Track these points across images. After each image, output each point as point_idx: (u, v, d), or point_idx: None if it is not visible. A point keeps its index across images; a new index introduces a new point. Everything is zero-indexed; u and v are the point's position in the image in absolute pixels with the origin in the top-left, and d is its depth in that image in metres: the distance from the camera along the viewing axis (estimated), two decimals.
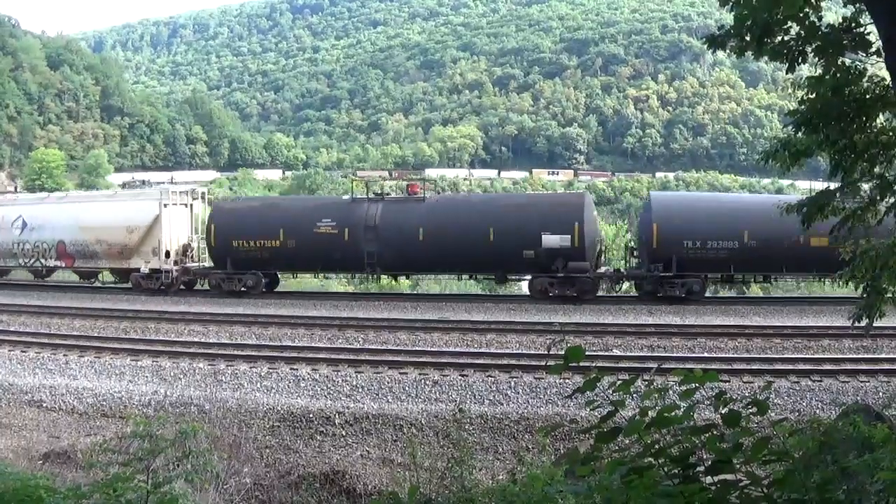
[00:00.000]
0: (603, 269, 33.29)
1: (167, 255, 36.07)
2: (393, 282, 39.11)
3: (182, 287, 36.64)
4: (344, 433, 16.42)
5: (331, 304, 31.67)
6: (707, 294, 32.51)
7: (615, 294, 33.66)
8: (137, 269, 36.50)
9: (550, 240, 30.84)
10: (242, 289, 34.53)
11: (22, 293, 36.65)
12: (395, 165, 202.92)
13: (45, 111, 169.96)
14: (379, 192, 36.56)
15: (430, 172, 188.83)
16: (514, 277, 33.84)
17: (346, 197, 37.90)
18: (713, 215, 31.49)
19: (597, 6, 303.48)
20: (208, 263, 36.55)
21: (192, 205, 38.01)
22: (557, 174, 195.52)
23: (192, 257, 37.18)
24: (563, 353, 3.54)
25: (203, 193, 40.08)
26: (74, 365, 21.69)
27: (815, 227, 29.65)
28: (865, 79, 11.03)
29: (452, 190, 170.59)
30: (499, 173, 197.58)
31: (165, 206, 36.44)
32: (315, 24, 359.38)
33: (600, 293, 32.85)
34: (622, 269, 34.01)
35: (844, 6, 10.96)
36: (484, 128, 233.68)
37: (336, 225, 33.14)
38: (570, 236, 30.77)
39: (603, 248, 34.39)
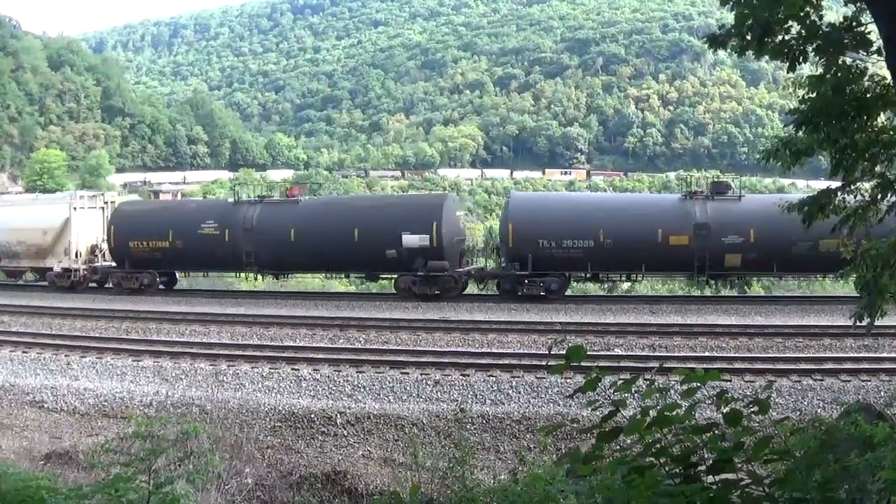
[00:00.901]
0: (466, 268, 34.00)
1: (77, 255, 38.41)
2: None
3: (93, 285, 38.88)
4: (346, 433, 16.43)
5: (332, 304, 31.68)
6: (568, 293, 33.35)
7: (479, 293, 34.27)
8: (52, 268, 38.71)
9: (410, 239, 31.95)
10: (140, 286, 36.09)
11: (24, 294, 36.70)
12: (397, 165, 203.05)
13: (46, 112, 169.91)
14: (260, 194, 38.41)
15: (444, 172, 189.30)
16: (386, 277, 34.59)
17: (230, 200, 39.36)
18: (569, 215, 32.35)
19: (598, 6, 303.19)
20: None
21: (104, 208, 40.07)
22: (570, 173, 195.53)
23: (100, 257, 39.30)
24: (564, 352, 3.54)
25: (114, 199, 42.27)
26: (76, 365, 21.71)
27: (675, 226, 30.22)
28: (866, 78, 11.04)
29: (454, 190, 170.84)
30: (511, 174, 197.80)
31: (75, 209, 38.67)
32: (316, 25, 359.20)
33: (472, 291, 34.07)
34: (486, 268, 34.65)
35: (845, 5, 10.96)
36: (485, 128, 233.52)
37: (218, 226, 34.91)
38: (428, 236, 31.86)
39: (465, 247, 35.12)
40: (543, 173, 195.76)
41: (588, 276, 32.87)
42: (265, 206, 35.49)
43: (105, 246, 38.40)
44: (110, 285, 38.16)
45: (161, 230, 35.75)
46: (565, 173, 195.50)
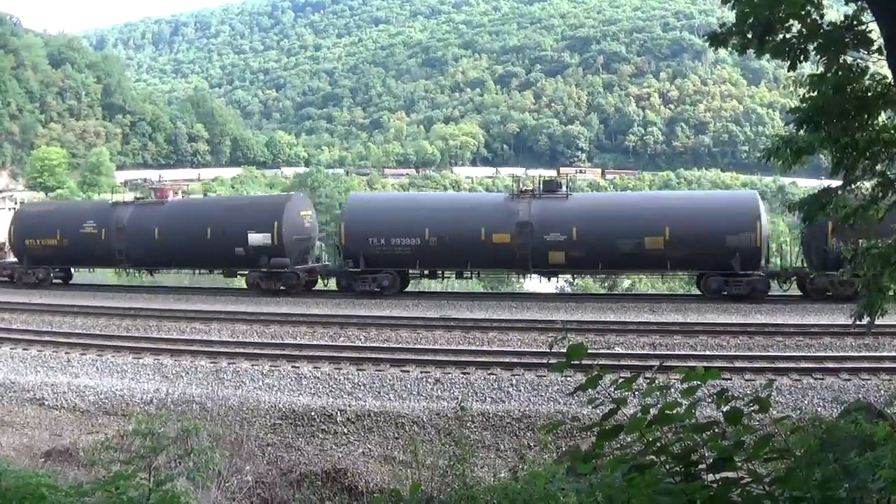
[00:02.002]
0: (308, 265, 35.57)
1: None
2: None
3: (5, 279, 40.38)
4: (346, 431, 16.43)
5: (333, 301, 31.69)
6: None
7: (325, 288, 35.81)
8: None
9: (255, 238, 34.16)
10: (37, 281, 38.62)
11: (24, 292, 36.71)
12: (397, 163, 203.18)
13: (47, 109, 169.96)
14: (138, 196, 41.20)
15: (459, 170, 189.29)
16: (243, 273, 36.18)
17: (110, 201, 41.87)
18: (397, 215, 34.08)
19: (599, 4, 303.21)
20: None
21: (13, 208, 42.96)
22: (584, 172, 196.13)
23: (8, 254, 41.89)
24: (565, 350, 3.54)
25: (23, 199, 44.84)
26: (76, 363, 21.72)
27: (498, 225, 31.12)
28: (867, 77, 11.02)
29: (455, 189, 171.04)
30: (525, 172, 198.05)
31: None
32: (317, 22, 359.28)
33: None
34: (329, 265, 36.34)
35: (846, 4, 10.94)
36: (486, 126, 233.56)
37: (97, 226, 37.59)
38: (270, 234, 34.00)
39: (309, 245, 36.61)
40: (558, 172, 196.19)
41: (423, 273, 34.82)
42: (136, 208, 38.45)
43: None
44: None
45: (51, 229, 38.61)
46: (580, 172, 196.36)
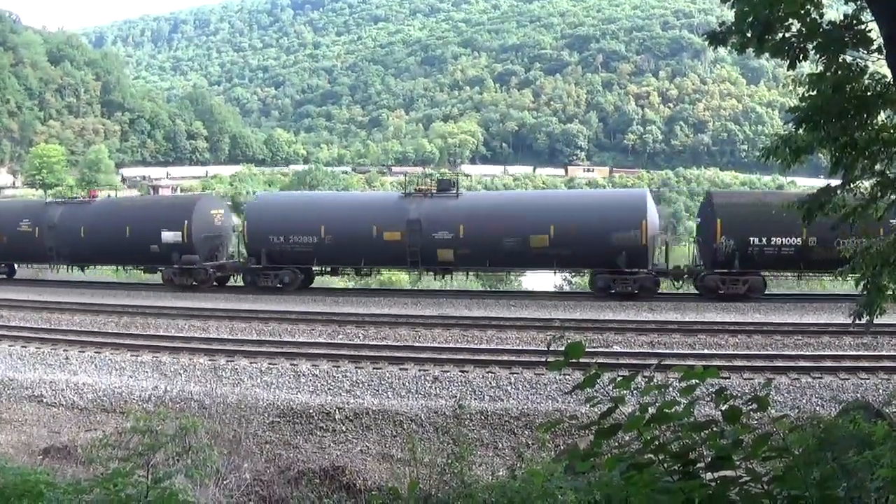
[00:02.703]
0: (218, 262, 36.97)
1: None
2: (391, 277, 42.55)
3: None
4: (344, 429, 16.42)
5: (331, 299, 31.68)
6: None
7: (233, 284, 37.62)
8: None
9: (167, 236, 35.79)
10: None
11: (23, 288, 36.71)
12: (396, 161, 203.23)
13: (46, 106, 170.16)
14: (72, 196, 42.94)
15: (466, 168, 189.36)
16: (162, 268, 37.14)
17: (45, 201, 44.04)
18: (295, 213, 35.20)
19: (598, 2, 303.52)
20: None
21: None
22: (593, 171, 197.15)
23: None
24: (563, 349, 3.54)
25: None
26: (75, 360, 21.70)
27: (390, 223, 31.78)
28: (866, 76, 11.02)
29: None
30: (534, 170, 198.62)
31: None
32: (316, 20, 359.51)
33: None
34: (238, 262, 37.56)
35: (846, 3, 10.95)
36: (484, 124, 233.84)
37: (31, 224, 39.27)
38: (181, 233, 35.59)
39: (219, 242, 37.87)
40: (566, 171, 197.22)
41: (323, 270, 36.17)
42: (66, 207, 39.98)
43: None
44: None
45: None
46: (588, 170, 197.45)
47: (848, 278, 13.65)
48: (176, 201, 44.75)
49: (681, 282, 32.12)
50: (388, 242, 32.29)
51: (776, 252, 29.57)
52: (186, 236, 35.42)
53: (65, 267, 39.95)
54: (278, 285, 33.94)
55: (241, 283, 36.21)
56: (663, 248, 34.01)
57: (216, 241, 37.14)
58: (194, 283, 35.53)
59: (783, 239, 29.29)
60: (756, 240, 29.48)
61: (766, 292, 30.84)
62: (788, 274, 31.48)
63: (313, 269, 35.46)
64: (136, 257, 37.63)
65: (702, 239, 31.52)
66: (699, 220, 33.23)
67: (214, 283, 36.33)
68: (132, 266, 39.99)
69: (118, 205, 44.81)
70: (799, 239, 29.05)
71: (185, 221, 35.60)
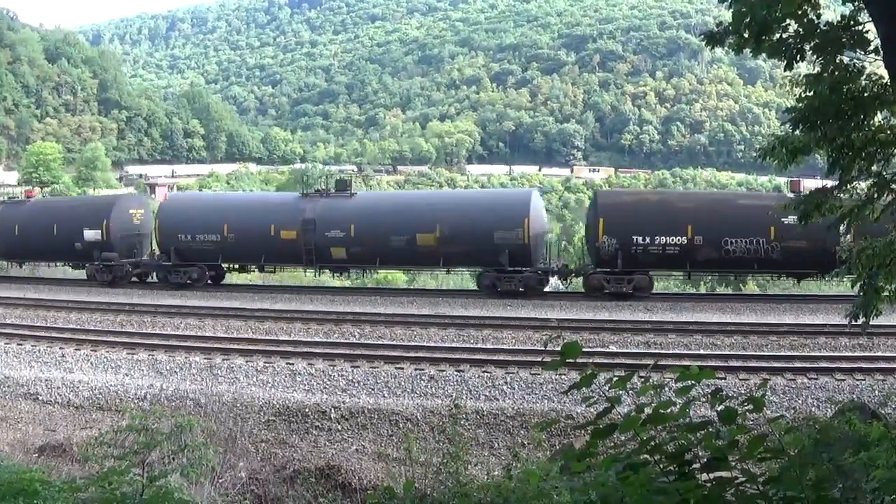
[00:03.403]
0: (135, 259, 38.33)
1: None
2: (387, 277, 42.87)
3: None
4: (339, 428, 16.43)
5: (327, 298, 31.69)
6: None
7: (146, 280, 38.80)
8: None
9: (89, 234, 37.58)
10: None
11: (18, 286, 36.68)
12: (393, 160, 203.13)
13: (43, 104, 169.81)
14: (11, 196, 44.62)
15: (472, 168, 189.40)
16: (86, 265, 38.65)
17: None
18: (201, 213, 36.82)
19: (595, 2, 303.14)
20: None
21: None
22: (598, 171, 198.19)
23: None
24: (559, 349, 3.53)
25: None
26: (70, 358, 21.69)
27: (286, 222, 32.68)
28: (863, 77, 11.04)
29: (451, 187, 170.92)
30: (539, 169, 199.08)
31: None
32: (313, 19, 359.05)
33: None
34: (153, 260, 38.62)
35: (843, 4, 10.96)
36: (481, 123, 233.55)
37: None
38: (101, 231, 37.42)
39: (138, 240, 39.24)
40: (572, 171, 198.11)
41: (231, 267, 37.70)
42: (4, 206, 42.06)
43: None
44: None
45: None
46: (593, 171, 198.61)
47: (844, 279, 13.64)
48: (97, 201, 47.29)
49: (568, 281, 33.13)
50: (284, 241, 33.74)
51: (661, 251, 30.22)
52: (106, 234, 37.36)
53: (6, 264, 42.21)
54: (188, 281, 35.51)
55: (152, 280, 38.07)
56: (562, 245, 34.69)
57: (135, 240, 38.77)
58: (111, 279, 37.15)
59: (668, 238, 29.97)
60: (639, 239, 30.19)
61: (767, 293, 30.99)
62: (675, 273, 32.01)
63: (223, 266, 36.95)
64: (63, 254, 39.73)
65: (588, 238, 32.20)
66: (587, 219, 33.92)
67: (134, 280, 38.00)
68: (60, 262, 41.84)
69: (48, 204, 48.46)
70: (684, 238, 29.77)
71: (105, 220, 37.60)
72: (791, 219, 28.69)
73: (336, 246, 33.26)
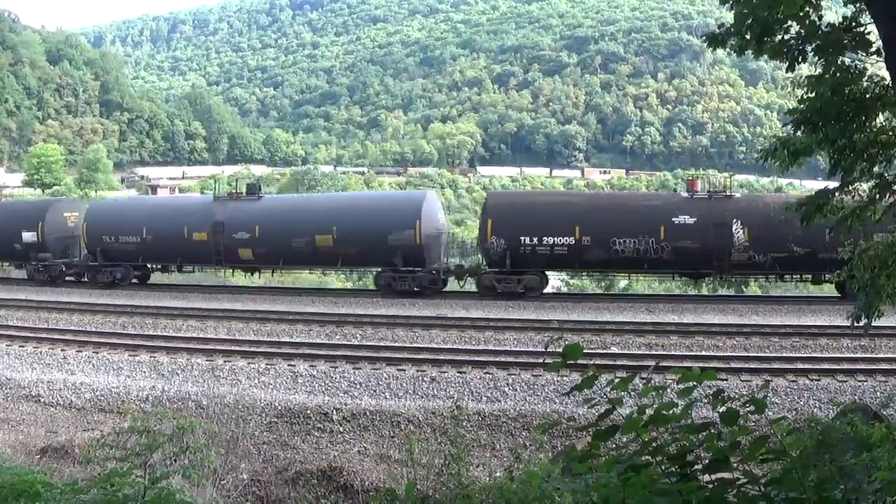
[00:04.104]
0: (68, 259, 39.71)
1: None
2: None
3: None
4: (341, 429, 16.41)
5: (329, 300, 31.70)
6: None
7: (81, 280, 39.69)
8: None
9: (26, 236, 39.32)
10: None
11: (20, 288, 36.71)
12: (395, 162, 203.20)
13: (45, 106, 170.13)
14: None
15: (483, 170, 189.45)
16: (30, 265, 39.74)
17: None
18: (123, 216, 38.71)
19: (597, 4, 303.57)
20: None
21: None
22: (608, 173, 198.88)
23: None
24: (561, 350, 3.53)
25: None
26: (72, 360, 21.69)
27: (199, 225, 34.17)
28: (865, 78, 11.04)
29: (452, 188, 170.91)
30: (550, 172, 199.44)
31: None
32: (315, 21, 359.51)
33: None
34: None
35: (845, 6, 10.97)
36: (483, 125, 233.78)
37: None
38: (36, 233, 39.19)
39: (72, 241, 40.14)
40: (582, 173, 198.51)
41: (154, 267, 39.05)
42: None
43: None
44: None
45: None
46: (604, 172, 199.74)
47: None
48: (34, 205, 49.01)
49: (464, 280, 33.74)
50: (197, 242, 35.32)
51: (549, 252, 30.86)
52: (41, 236, 39.06)
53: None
54: (114, 280, 37.12)
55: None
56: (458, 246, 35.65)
57: (68, 241, 39.90)
58: (48, 277, 38.66)
59: (556, 239, 30.64)
60: (527, 240, 30.88)
61: (769, 294, 31.10)
62: (566, 273, 32.40)
63: (146, 266, 38.58)
64: (4, 254, 41.42)
65: (479, 239, 32.89)
66: (480, 220, 34.50)
67: (69, 279, 39.15)
68: (2, 262, 43.61)
69: None
70: (572, 239, 30.44)
71: (40, 223, 39.32)
72: (682, 219, 29.55)
73: (243, 247, 34.80)
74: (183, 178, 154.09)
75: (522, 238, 30.96)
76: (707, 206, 30.71)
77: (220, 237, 34.80)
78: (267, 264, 36.29)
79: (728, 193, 31.57)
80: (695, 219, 30.21)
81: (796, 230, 26.05)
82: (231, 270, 38.63)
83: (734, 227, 29.92)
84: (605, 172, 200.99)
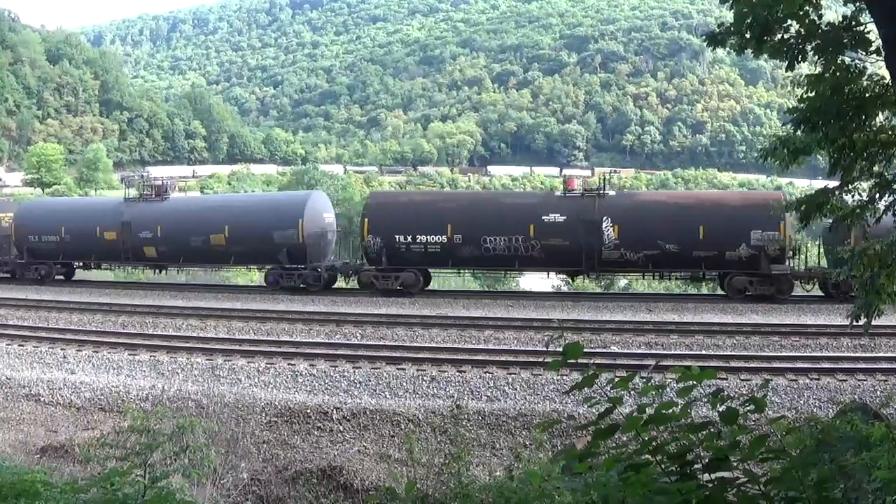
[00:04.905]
0: (5, 257, 41.32)
1: None
2: None
3: None
4: (341, 429, 16.42)
5: (329, 299, 31.72)
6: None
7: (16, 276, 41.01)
8: None
9: None
10: None
11: (20, 287, 36.73)
12: (395, 161, 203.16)
13: (44, 105, 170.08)
14: None
15: (493, 169, 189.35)
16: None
17: None
18: (45, 216, 40.67)
19: (597, 3, 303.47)
20: None
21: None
22: (618, 172, 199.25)
23: None
24: (561, 349, 3.53)
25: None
26: (72, 359, 21.68)
27: (109, 224, 36.75)
28: (865, 77, 11.03)
29: (453, 187, 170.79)
30: (560, 171, 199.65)
31: None
32: (314, 20, 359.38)
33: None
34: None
35: (844, 5, 10.96)
36: (483, 124, 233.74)
37: None
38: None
39: (7, 241, 41.50)
40: (592, 172, 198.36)
41: (78, 265, 40.85)
42: None
43: None
44: None
45: None
46: (614, 172, 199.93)
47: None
48: None
49: (349, 277, 34.93)
50: (107, 241, 37.53)
51: (423, 249, 31.88)
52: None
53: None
54: (39, 276, 39.04)
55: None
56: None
57: (3, 241, 41.35)
58: (7, 275, 40.37)
59: (429, 237, 31.70)
60: (402, 238, 32.01)
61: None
62: (439, 270, 34.54)
63: (70, 263, 40.41)
64: None
65: (360, 237, 33.99)
66: (360, 219, 35.81)
67: (3, 276, 40.63)
68: None
69: None
70: (444, 237, 31.56)
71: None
72: (552, 217, 30.09)
73: (147, 245, 37.08)
74: (193, 176, 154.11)
75: (397, 236, 32.25)
76: (578, 205, 31.40)
77: (128, 236, 37.16)
78: (169, 262, 38.18)
79: (602, 192, 32.11)
80: (565, 217, 30.98)
81: (668, 228, 27.19)
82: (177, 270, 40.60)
83: (604, 225, 30.60)
84: (615, 171, 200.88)
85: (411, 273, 32.29)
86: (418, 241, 32.00)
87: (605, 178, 33.43)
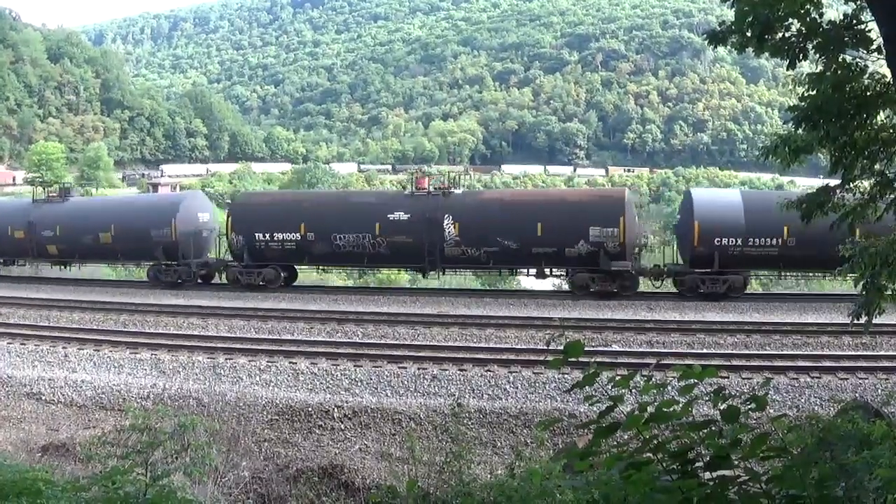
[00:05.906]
0: None
1: None
2: (390, 276, 45.11)
3: None
4: (342, 427, 16.43)
5: (330, 298, 31.69)
6: None
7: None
8: None
9: None
10: None
11: (21, 286, 36.74)
12: (396, 160, 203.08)
13: (46, 104, 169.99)
14: None
15: (506, 168, 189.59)
16: None
17: None
18: (8, 216, 41.22)
19: (598, 1, 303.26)
20: None
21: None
22: (633, 171, 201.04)
23: None
24: (562, 348, 3.53)
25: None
26: (73, 358, 21.69)
27: (17, 224, 39.33)
28: (866, 76, 11.01)
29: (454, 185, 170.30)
30: (574, 170, 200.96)
31: None
32: (316, 19, 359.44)
33: None
34: None
35: (845, 3, 10.94)
36: (484, 122, 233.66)
37: None
38: None
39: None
40: (606, 171, 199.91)
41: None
42: None
43: None
44: None
45: None
46: (628, 171, 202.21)
47: (847, 278, 13.61)
48: None
49: (221, 274, 36.20)
50: (17, 239, 39.49)
51: (280, 247, 33.77)
52: None
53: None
54: None
55: None
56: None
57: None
58: None
59: (285, 235, 33.60)
60: (261, 236, 33.87)
61: (770, 292, 31.44)
62: (293, 265, 35.57)
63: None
64: None
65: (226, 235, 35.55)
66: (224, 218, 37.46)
67: None
68: None
69: None
70: (298, 234, 33.18)
71: None
72: (397, 215, 31.99)
73: (49, 244, 38.81)
74: (207, 174, 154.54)
75: (257, 234, 33.84)
76: (422, 203, 32.44)
77: (33, 235, 38.91)
78: (69, 258, 40.00)
79: (448, 191, 33.16)
80: (409, 215, 32.13)
81: (507, 225, 29.99)
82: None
83: (445, 223, 31.69)
84: (629, 171, 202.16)
85: (272, 269, 33.91)
86: (276, 238, 33.66)
87: (452, 178, 35.37)
